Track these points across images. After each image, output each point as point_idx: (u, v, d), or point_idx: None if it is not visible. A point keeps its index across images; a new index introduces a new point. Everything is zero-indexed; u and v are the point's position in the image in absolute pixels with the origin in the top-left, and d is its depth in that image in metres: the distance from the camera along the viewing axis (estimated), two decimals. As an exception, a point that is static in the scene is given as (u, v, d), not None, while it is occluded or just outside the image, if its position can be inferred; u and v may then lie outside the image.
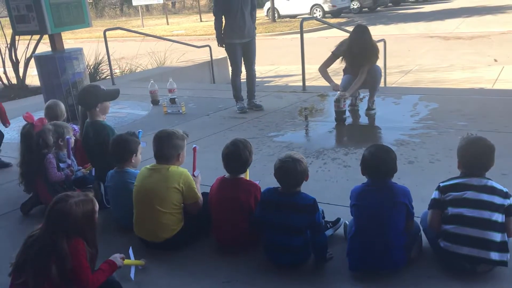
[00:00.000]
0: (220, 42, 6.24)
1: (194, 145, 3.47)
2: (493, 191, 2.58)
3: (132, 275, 2.78)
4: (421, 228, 2.84)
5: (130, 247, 2.90)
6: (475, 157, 2.66)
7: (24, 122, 3.85)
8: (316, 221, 2.74)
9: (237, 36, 6.11)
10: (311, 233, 2.75)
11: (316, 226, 2.75)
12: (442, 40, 15.40)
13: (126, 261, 2.70)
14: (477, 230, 2.52)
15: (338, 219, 3.15)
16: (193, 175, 3.25)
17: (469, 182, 2.62)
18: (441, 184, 2.71)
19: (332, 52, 5.67)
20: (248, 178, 3.15)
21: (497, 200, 2.56)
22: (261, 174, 3.66)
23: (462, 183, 2.64)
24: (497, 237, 2.52)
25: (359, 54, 5.46)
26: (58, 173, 3.64)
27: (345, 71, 5.89)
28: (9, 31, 8.96)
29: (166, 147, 3.10)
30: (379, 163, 2.70)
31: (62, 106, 4.51)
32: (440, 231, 2.65)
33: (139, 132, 3.89)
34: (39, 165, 3.63)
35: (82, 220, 2.30)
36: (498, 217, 2.54)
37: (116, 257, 2.57)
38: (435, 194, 2.72)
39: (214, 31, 6.24)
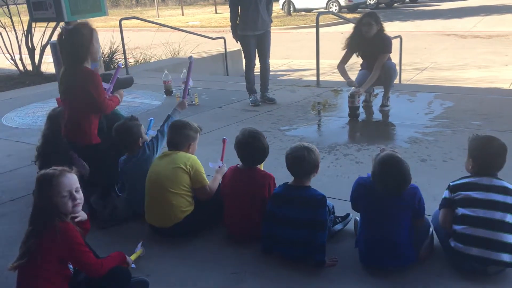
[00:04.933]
0: (235, 34, 6.24)
1: (224, 137, 3.56)
2: (505, 191, 2.55)
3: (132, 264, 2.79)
4: (431, 226, 2.82)
5: (141, 242, 2.94)
6: (491, 156, 2.62)
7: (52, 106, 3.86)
8: (320, 217, 2.73)
9: (250, 29, 6.10)
10: (312, 229, 2.72)
11: (318, 222, 2.73)
12: (459, 38, 15.22)
13: (132, 257, 2.76)
14: (489, 231, 2.49)
15: (348, 214, 3.14)
16: (219, 166, 3.35)
17: (479, 181, 2.59)
18: (451, 184, 2.68)
19: (345, 41, 5.65)
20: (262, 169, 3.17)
21: (510, 200, 2.52)
22: (273, 167, 3.66)
23: (472, 182, 2.61)
24: (510, 238, 2.49)
25: (369, 41, 5.42)
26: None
27: (361, 66, 5.86)
28: (25, 18, 9.04)
29: (179, 136, 3.22)
30: (390, 180, 2.61)
31: None
32: (451, 230, 2.63)
33: (150, 120, 3.92)
34: (61, 148, 3.62)
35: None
36: (511, 218, 2.51)
37: (128, 258, 2.63)
38: (445, 193, 2.70)
39: (229, 23, 6.25)
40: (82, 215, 2.46)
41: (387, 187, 2.61)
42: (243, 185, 3.00)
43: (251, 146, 2.99)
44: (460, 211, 2.58)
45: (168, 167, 3.09)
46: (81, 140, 3.33)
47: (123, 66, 3.87)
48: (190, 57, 3.89)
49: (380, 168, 2.62)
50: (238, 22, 6.15)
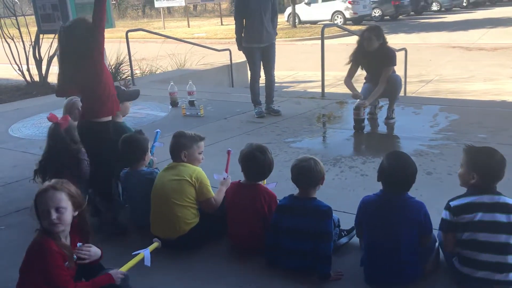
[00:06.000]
0: (240, 46, 6.29)
1: (229, 149, 3.54)
2: (509, 209, 2.48)
3: (148, 262, 2.72)
4: (437, 241, 2.79)
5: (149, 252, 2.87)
6: (496, 169, 2.56)
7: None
8: (326, 228, 2.73)
9: (255, 41, 6.14)
10: (317, 240, 2.71)
11: (324, 233, 2.72)
12: (464, 51, 15.24)
13: (125, 267, 2.63)
14: (494, 255, 2.44)
15: (353, 228, 3.12)
16: (223, 178, 3.33)
17: (480, 200, 2.52)
18: (452, 204, 2.59)
19: (349, 57, 5.67)
20: (265, 183, 3.17)
21: None
22: (277, 179, 3.66)
23: (475, 203, 2.52)
24: None
25: (372, 54, 5.44)
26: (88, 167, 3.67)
27: (366, 79, 5.87)
28: (33, 29, 9.13)
29: (175, 146, 3.24)
30: (398, 175, 2.61)
31: (79, 103, 4.55)
32: (454, 252, 2.59)
33: (157, 132, 3.93)
34: (65, 161, 3.61)
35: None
36: None
37: (117, 273, 2.49)
38: (445, 214, 2.60)
39: (235, 35, 6.29)
40: (94, 255, 2.44)
41: (395, 179, 2.60)
42: (245, 201, 2.99)
43: (255, 161, 2.98)
44: (464, 235, 2.52)
45: (174, 179, 3.10)
46: (101, 113, 3.28)
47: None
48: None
49: (388, 160, 2.65)
50: (243, 34, 6.20)
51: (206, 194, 3.12)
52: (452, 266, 2.61)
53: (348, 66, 5.67)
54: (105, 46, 3.31)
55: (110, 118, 3.34)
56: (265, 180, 3.20)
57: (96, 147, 3.35)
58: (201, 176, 3.13)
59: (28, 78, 10.41)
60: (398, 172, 2.62)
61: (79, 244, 2.45)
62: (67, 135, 3.65)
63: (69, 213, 2.33)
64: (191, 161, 3.24)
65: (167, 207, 3.06)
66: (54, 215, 2.26)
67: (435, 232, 2.80)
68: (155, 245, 2.89)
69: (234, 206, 3.05)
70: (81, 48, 3.18)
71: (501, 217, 2.47)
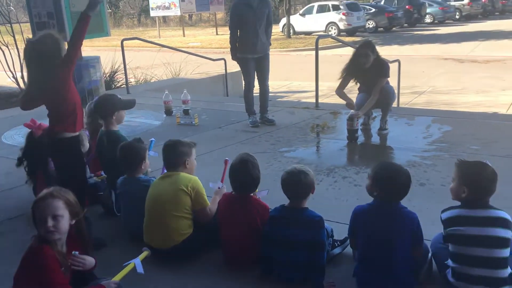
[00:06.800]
0: (234, 56, 6.31)
1: (226, 158, 3.52)
2: (502, 222, 2.47)
3: (140, 270, 2.71)
4: (430, 251, 2.80)
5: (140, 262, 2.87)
6: (488, 183, 2.56)
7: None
8: (319, 238, 2.73)
9: (249, 51, 6.17)
10: (311, 250, 2.71)
11: (317, 244, 2.72)
12: (457, 63, 15.38)
13: (118, 276, 2.61)
14: (487, 270, 2.45)
15: (346, 238, 3.12)
16: (218, 187, 3.33)
17: (472, 213, 2.52)
18: (442, 217, 2.60)
19: (341, 72, 5.71)
20: (256, 191, 3.17)
21: (507, 234, 2.46)
22: (271, 189, 3.66)
23: (468, 217, 2.52)
24: (507, 273, 2.47)
25: (366, 69, 5.48)
26: None
27: (359, 90, 5.91)
28: (28, 36, 9.09)
29: (173, 155, 3.23)
30: (391, 185, 2.62)
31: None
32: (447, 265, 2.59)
33: (151, 141, 3.94)
34: (38, 161, 3.78)
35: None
36: (507, 253, 2.47)
37: (110, 283, 2.48)
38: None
39: (229, 45, 6.32)
40: (88, 265, 2.43)
41: (394, 188, 2.60)
42: (237, 213, 2.98)
43: (240, 176, 2.97)
44: (455, 248, 2.52)
45: (170, 189, 3.08)
46: (65, 130, 3.23)
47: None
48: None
49: (382, 170, 2.67)
50: (237, 44, 6.22)
51: (202, 203, 3.12)
52: (446, 279, 2.61)
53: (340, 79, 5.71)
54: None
55: (74, 133, 3.28)
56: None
57: (62, 162, 3.34)
58: (197, 185, 3.12)
59: (22, 85, 10.36)
60: (390, 181, 2.63)
61: (75, 252, 2.43)
62: (42, 140, 3.63)
63: (65, 222, 2.32)
64: (191, 168, 3.27)
65: (161, 218, 3.05)
66: (50, 223, 2.26)
67: (428, 243, 2.81)
68: (144, 254, 2.87)
69: (227, 218, 3.04)
70: (46, 65, 3.15)
71: (494, 231, 2.46)
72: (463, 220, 2.52)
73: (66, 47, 3.24)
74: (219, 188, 3.35)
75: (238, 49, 6.23)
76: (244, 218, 2.95)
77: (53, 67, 3.15)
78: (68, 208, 2.34)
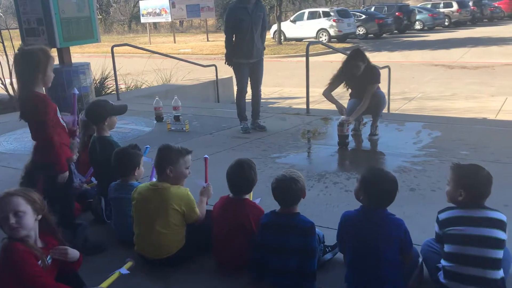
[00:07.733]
0: (229, 61, 6.29)
1: (206, 155, 3.48)
2: (498, 224, 2.48)
3: (123, 271, 2.70)
4: (420, 256, 2.80)
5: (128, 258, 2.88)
6: (483, 185, 2.56)
7: None
8: (310, 244, 2.72)
9: (244, 56, 6.16)
10: (302, 256, 2.70)
11: (309, 250, 2.72)
12: (447, 69, 15.52)
13: (105, 283, 2.60)
14: (481, 270, 2.45)
15: (337, 244, 3.13)
16: (203, 187, 3.29)
17: (468, 213, 2.54)
18: (440, 217, 2.61)
19: (331, 80, 5.73)
20: (251, 199, 3.16)
21: (502, 235, 2.47)
22: (262, 195, 3.66)
23: (462, 216, 2.54)
24: (499, 274, 2.47)
25: (357, 76, 5.51)
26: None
27: (351, 95, 5.93)
28: (17, 43, 9.04)
29: (158, 159, 3.11)
30: (375, 190, 2.61)
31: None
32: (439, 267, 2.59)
33: (146, 148, 3.92)
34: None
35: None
36: (501, 254, 2.47)
37: None
38: (436, 227, 2.63)
39: (220, 51, 6.32)
40: (71, 256, 2.41)
41: (377, 194, 2.59)
42: (232, 215, 2.97)
43: (234, 177, 2.97)
44: (451, 247, 2.52)
45: (161, 207, 2.99)
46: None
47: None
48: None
49: (369, 174, 2.67)
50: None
51: (194, 216, 3.07)
52: (437, 281, 2.61)
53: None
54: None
55: None
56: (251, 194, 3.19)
57: (49, 182, 3.28)
58: (189, 201, 3.04)
59: (11, 92, 10.30)
60: (374, 186, 2.62)
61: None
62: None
63: (29, 217, 2.29)
64: (177, 177, 3.08)
65: (152, 235, 3.00)
66: (12, 220, 2.23)
67: (418, 248, 2.82)
68: (129, 264, 2.84)
69: (221, 222, 3.02)
70: (25, 78, 3.09)
71: (490, 232, 2.47)
72: (463, 220, 2.53)
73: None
74: (203, 187, 3.32)
75: (233, 53, 6.21)
76: (238, 221, 2.94)
77: (32, 82, 3.07)
78: (30, 204, 2.30)
